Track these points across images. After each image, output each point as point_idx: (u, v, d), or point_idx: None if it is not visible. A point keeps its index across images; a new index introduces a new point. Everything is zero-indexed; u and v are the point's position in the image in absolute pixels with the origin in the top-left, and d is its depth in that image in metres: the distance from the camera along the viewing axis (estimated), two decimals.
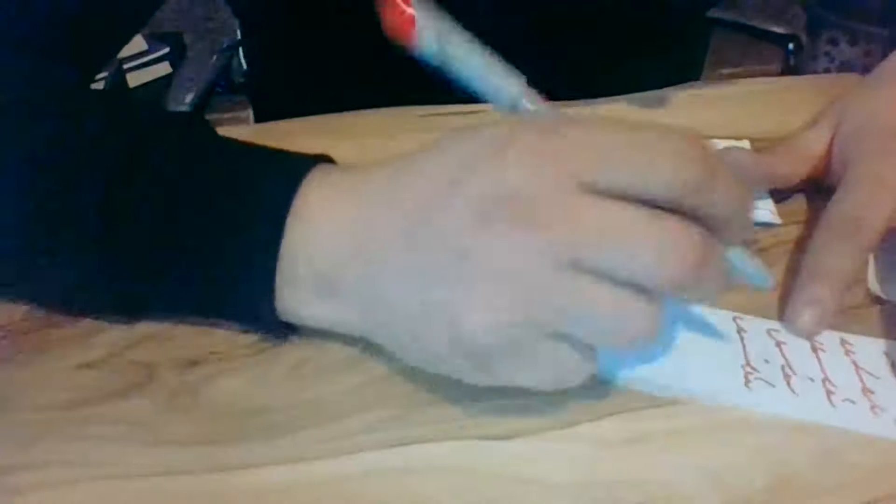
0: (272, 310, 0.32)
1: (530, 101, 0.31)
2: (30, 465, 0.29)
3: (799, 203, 0.44)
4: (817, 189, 0.43)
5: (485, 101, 0.32)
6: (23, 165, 0.33)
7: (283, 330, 0.34)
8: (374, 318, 0.31)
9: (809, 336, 0.35)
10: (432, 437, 0.30)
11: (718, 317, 0.36)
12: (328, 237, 0.31)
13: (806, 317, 0.34)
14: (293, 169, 0.32)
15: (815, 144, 0.43)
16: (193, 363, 0.34)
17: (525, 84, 0.32)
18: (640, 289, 0.27)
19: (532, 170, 0.27)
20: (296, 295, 0.32)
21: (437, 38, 0.30)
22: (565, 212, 0.26)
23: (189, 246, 0.32)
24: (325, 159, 0.34)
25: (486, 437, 0.30)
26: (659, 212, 0.26)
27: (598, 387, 0.32)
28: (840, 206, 0.37)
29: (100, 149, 0.32)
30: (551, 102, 0.32)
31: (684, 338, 0.34)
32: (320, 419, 0.31)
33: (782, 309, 0.36)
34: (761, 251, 0.40)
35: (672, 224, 0.26)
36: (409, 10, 0.30)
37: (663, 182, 0.26)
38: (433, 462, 0.29)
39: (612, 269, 0.26)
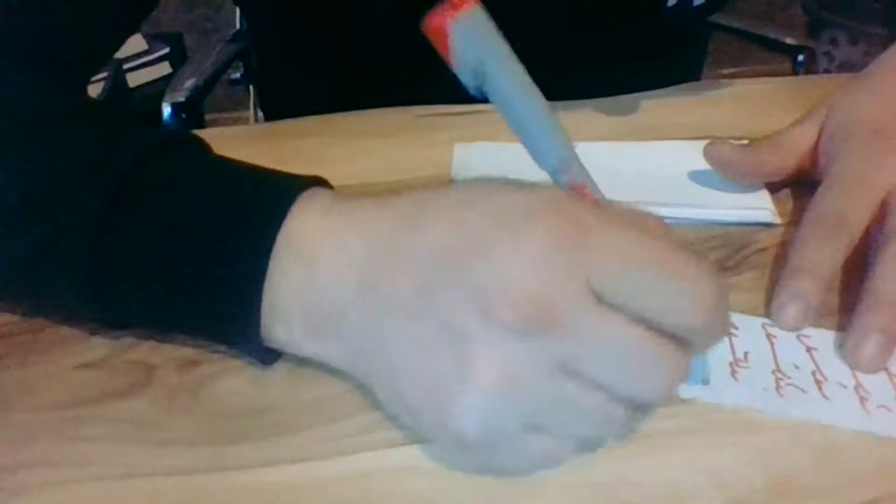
0: (259, 342, 0.31)
1: (573, 172, 0.29)
2: (30, 465, 0.29)
3: (798, 203, 0.44)
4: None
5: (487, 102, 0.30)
6: (10, 195, 0.33)
7: (274, 356, 0.33)
8: (368, 362, 0.30)
9: (794, 330, 0.35)
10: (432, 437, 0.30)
11: (748, 323, 0.35)
12: (331, 273, 0.30)
13: (790, 311, 0.35)
14: (281, 198, 0.31)
15: (801, 140, 0.43)
16: (193, 363, 0.34)
17: (573, 151, 0.29)
18: (621, 399, 0.27)
19: (545, 264, 0.26)
20: (287, 330, 0.31)
21: (477, 68, 0.27)
22: (570, 318, 0.26)
23: (177, 278, 0.31)
24: (318, 182, 0.33)
25: None
26: (656, 337, 0.26)
27: None
28: (822, 202, 0.38)
29: (89, 181, 0.32)
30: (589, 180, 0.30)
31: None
32: (320, 419, 0.31)
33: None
34: (761, 251, 0.40)
35: (667, 352, 0.26)
36: (446, 27, 0.26)
37: (674, 320, 0.26)
38: (434, 462, 0.29)
39: (603, 382, 0.26)
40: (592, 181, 0.30)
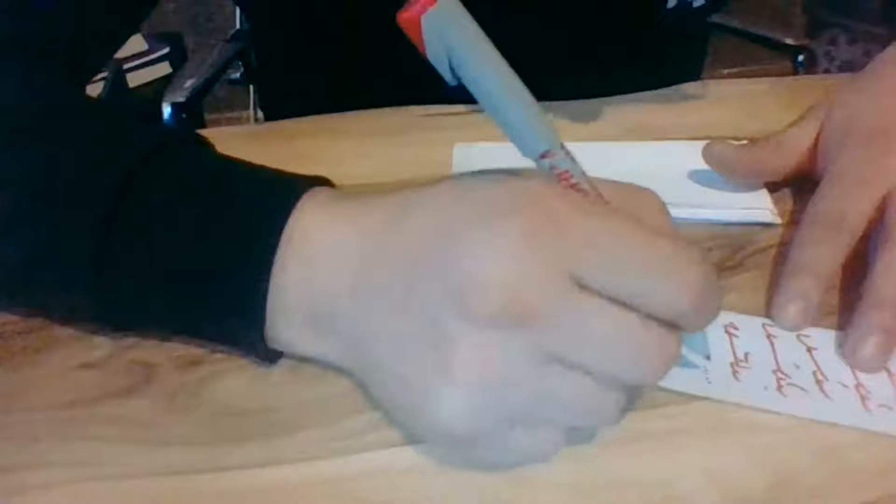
0: (263, 342, 0.31)
1: (557, 161, 0.28)
2: (30, 465, 0.29)
3: (798, 203, 0.44)
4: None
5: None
6: (12, 196, 0.33)
7: (278, 354, 0.33)
8: (359, 358, 0.30)
9: (794, 330, 0.35)
10: None
11: (748, 323, 0.35)
12: (329, 270, 0.30)
13: (790, 311, 0.35)
14: (284, 197, 0.31)
15: (800, 140, 0.43)
16: (194, 363, 0.34)
17: (557, 140, 0.28)
18: (611, 385, 0.27)
19: (521, 256, 0.26)
20: (290, 329, 0.31)
21: (452, 60, 0.26)
22: (549, 307, 0.25)
23: (179, 279, 0.31)
24: (322, 181, 0.33)
25: None
26: (643, 320, 0.26)
27: None
28: (822, 202, 0.38)
29: (89, 181, 0.32)
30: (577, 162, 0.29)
31: (714, 344, 0.34)
32: (320, 419, 0.31)
33: None
34: (761, 251, 0.40)
35: (655, 334, 0.26)
36: (418, 19, 0.25)
37: (661, 307, 0.26)
38: (433, 462, 0.29)
39: (589, 369, 0.26)
40: (579, 168, 0.29)
